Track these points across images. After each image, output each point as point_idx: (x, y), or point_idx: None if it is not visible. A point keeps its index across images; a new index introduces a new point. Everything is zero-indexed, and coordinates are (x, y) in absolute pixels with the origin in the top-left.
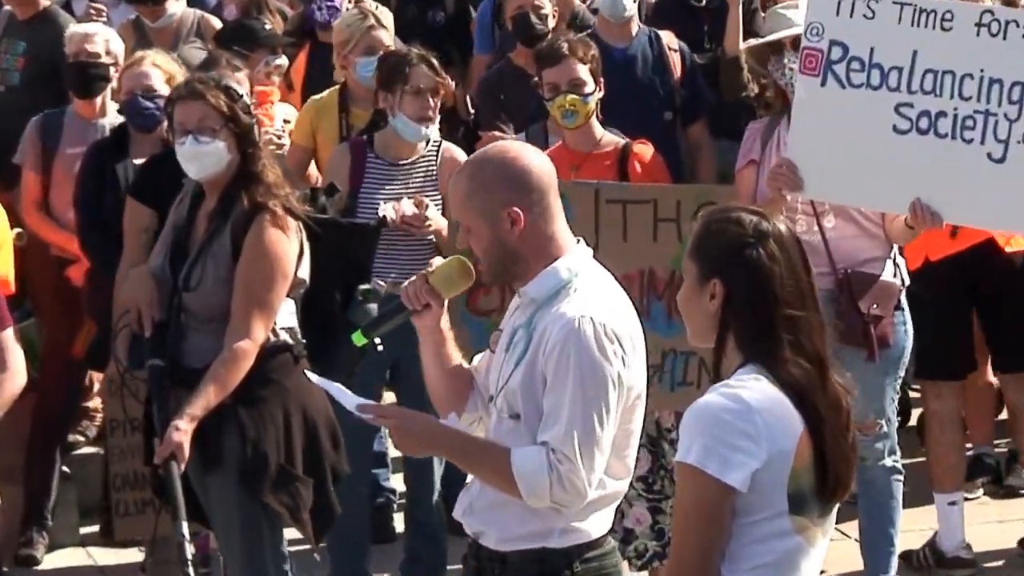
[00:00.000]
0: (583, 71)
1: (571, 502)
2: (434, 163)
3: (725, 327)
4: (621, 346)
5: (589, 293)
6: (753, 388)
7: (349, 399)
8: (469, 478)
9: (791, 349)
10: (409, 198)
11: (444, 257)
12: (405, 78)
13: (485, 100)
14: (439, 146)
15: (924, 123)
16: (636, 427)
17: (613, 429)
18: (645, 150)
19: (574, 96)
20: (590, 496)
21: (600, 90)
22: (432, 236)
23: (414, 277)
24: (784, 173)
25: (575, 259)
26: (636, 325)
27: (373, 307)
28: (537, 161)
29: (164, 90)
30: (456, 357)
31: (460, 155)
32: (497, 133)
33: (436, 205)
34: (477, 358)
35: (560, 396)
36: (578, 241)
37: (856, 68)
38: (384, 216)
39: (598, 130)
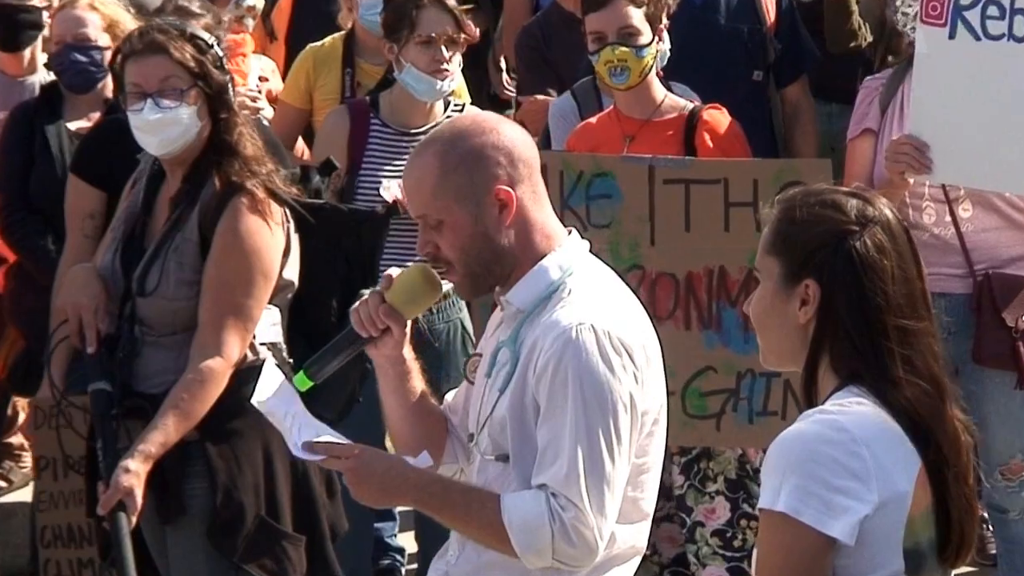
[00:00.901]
0: (636, 16)
1: (580, 558)
2: None
3: (820, 341)
4: (632, 359)
5: (587, 294)
6: (857, 415)
7: (297, 433)
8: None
9: (904, 367)
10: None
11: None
12: (413, 23)
13: (526, 56)
14: (461, 110)
15: None
16: (653, 462)
17: (627, 464)
18: (718, 117)
19: (624, 48)
20: (600, 551)
21: (660, 41)
22: None
23: (365, 295)
24: (907, 152)
25: (568, 254)
26: (650, 333)
27: None
28: (519, 132)
29: (103, 40)
30: (423, 395)
31: None
32: (541, 98)
33: None
34: (450, 395)
35: (558, 426)
36: (569, 232)
37: (994, 15)
38: (395, 199)
39: (658, 91)
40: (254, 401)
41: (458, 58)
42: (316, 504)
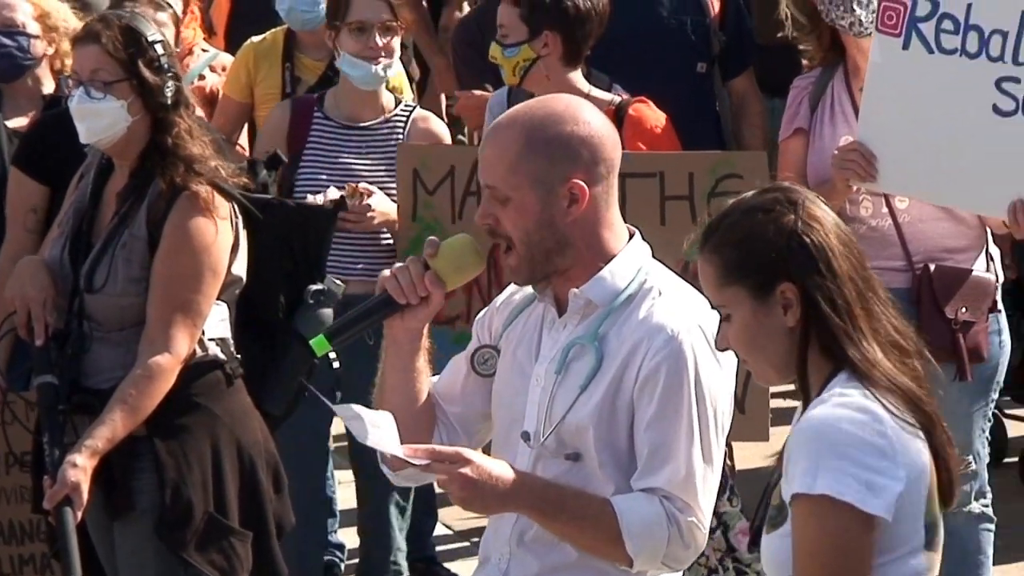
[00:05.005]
0: (509, 14)
1: (688, 559)
2: (401, 130)
3: (806, 335)
4: (730, 361)
5: (678, 294)
6: (868, 397)
7: (389, 439)
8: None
9: (886, 344)
10: (339, 187)
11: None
12: (345, 10)
13: (462, 50)
14: (411, 111)
15: None
16: None
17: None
18: (645, 111)
19: (496, 46)
20: None
21: (546, 46)
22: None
23: (405, 262)
24: (854, 159)
25: (640, 253)
26: None
27: (327, 312)
28: (609, 129)
29: (32, 28)
30: (427, 377)
31: (437, 126)
32: (478, 93)
33: (385, 186)
34: (439, 381)
35: (671, 429)
36: (632, 234)
37: (948, 29)
38: (342, 196)
39: (577, 87)
40: (338, 409)
41: (396, 43)
42: (263, 500)
